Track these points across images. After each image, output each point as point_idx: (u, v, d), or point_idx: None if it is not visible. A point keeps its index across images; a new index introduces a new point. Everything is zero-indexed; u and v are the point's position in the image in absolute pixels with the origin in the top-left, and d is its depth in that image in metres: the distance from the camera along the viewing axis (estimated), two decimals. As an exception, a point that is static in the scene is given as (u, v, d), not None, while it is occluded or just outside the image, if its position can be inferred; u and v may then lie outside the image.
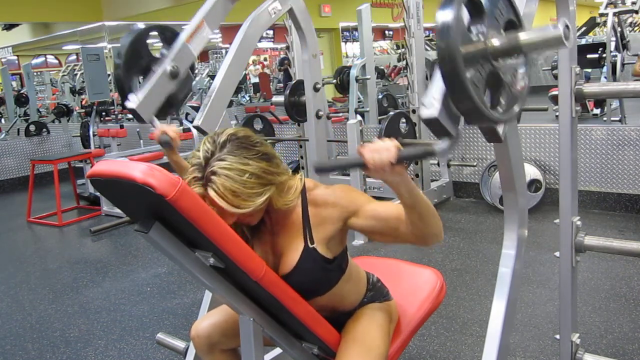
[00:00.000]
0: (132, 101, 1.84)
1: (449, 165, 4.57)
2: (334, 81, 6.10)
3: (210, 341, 1.52)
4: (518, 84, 1.01)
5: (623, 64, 5.26)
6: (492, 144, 1.34)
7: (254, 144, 1.21)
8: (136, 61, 1.91)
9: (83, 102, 8.39)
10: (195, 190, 1.17)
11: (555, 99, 5.14)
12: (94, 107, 6.39)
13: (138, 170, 1.03)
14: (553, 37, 0.92)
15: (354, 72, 5.34)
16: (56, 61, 14.78)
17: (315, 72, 3.17)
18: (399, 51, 5.03)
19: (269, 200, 1.22)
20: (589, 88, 1.50)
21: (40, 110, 9.19)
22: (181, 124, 6.13)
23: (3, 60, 10.76)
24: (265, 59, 13.87)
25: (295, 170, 1.33)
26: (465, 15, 0.89)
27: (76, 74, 9.21)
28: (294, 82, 4.27)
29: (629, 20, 6.29)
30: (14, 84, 10.85)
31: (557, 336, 1.64)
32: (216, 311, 1.58)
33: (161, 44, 2.03)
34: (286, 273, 1.32)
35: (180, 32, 2.04)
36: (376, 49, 12.36)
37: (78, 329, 2.79)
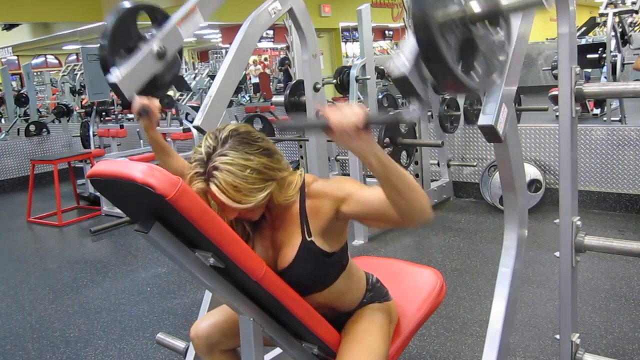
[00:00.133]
0: (114, 75, 1.77)
1: (449, 165, 4.57)
2: (334, 81, 6.09)
3: (210, 341, 1.53)
4: (497, 53, 1.00)
5: (623, 64, 5.26)
6: (492, 144, 1.35)
7: (256, 140, 1.22)
8: (123, 42, 1.83)
9: (83, 102, 8.39)
10: (197, 185, 1.18)
11: (555, 99, 5.12)
12: (94, 107, 6.38)
13: (138, 170, 1.03)
14: None
15: (354, 72, 5.33)
16: (56, 61, 14.81)
17: (315, 72, 3.17)
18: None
19: (269, 195, 1.22)
20: (589, 88, 1.50)
21: (40, 110, 9.18)
22: (181, 123, 6.13)
23: (3, 60, 10.76)
24: (265, 59, 13.87)
25: (295, 169, 1.33)
26: None
27: (76, 74, 9.21)
28: (294, 82, 4.27)
29: (629, 20, 6.29)
30: (14, 84, 10.86)
31: (557, 336, 1.64)
32: (216, 311, 1.58)
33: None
34: (285, 267, 1.32)
35: (171, 15, 1.99)
36: (376, 49, 12.37)
37: (78, 329, 2.79)
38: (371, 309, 1.49)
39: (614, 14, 5.09)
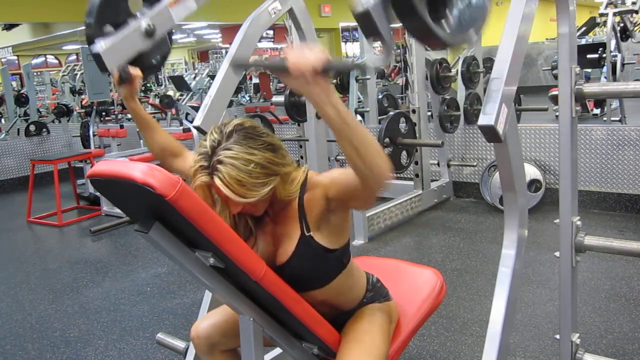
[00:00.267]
0: (99, 45, 1.72)
1: (449, 165, 4.57)
2: (334, 81, 6.09)
3: (210, 341, 1.53)
4: (473, 4, 0.96)
5: (623, 64, 5.26)
6: (492, 144, 1.35)
7: (260, 135, 1.22)
8: (110, 18, 1.80)
9: (83, 102, 8.38)
10: (201, 179, 1.18)
11: (555, 99, 5.14)
12: (94, 107, 6.38)
13: (138, 170, 1.03)
14: None
15: (353, 72, 5.34)
16: (56, 61, 14.82)
17: (315, 72, 3.17)
18: (397, 51, 5.01)
19: (273, 190, 1.23)
20: (589, 88, 1.50)
21: (40, 110, 9.18)
22: (181, 123, 6.13)
23: (3, 60, 10.77)
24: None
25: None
26: None
27: (76, 74, 9.21)
28: (294, 82, 4.27)
29: (631, 19, 6.30)
30: (14, 84, 10.86)
31: (557, 336, 1.64)
32: (216, 311, 1.58)
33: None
34: (284, 262, 1.32)
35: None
36: (376, 49, 12.35)
37: (78, 329, 2.79)
38: (371, 309, 1.49)
39: (614, 14, 5.09)
